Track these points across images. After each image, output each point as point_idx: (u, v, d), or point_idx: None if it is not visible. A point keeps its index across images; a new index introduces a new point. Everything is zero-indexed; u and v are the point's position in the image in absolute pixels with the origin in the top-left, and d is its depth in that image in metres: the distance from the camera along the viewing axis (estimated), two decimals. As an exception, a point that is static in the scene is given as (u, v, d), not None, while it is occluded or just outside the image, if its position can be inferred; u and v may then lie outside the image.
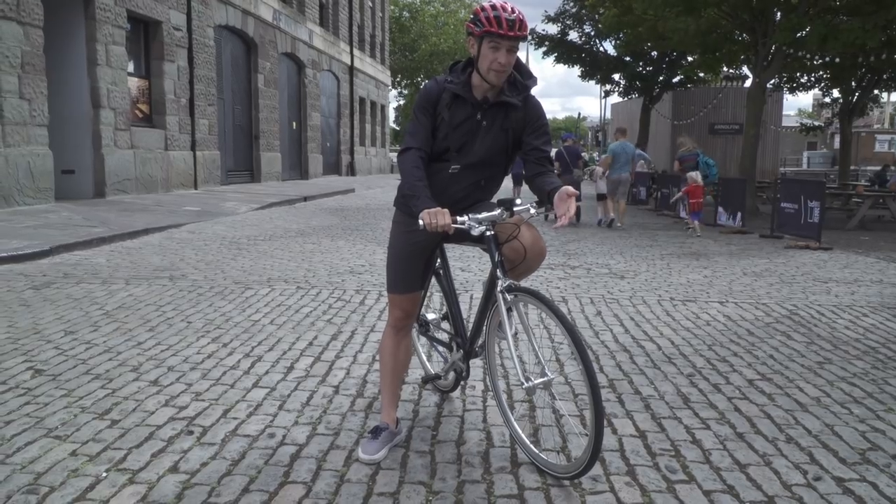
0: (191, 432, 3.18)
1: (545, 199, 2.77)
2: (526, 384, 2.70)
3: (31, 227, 9.36)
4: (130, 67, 15.05)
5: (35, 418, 3.30)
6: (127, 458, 2.90)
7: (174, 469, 2.82)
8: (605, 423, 3.35)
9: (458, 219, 2.73)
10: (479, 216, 2.79)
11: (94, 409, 3.42)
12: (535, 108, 2.93)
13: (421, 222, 2.65)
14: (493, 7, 2.69)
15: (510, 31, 2.67)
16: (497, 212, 2.82)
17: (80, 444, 3.02)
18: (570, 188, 2.69)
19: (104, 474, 2.76)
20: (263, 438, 3.14)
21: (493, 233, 2.83)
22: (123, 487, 2.67)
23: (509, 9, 2.69)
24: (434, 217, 2.64)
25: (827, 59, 18.84)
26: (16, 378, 3.85)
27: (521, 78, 2.90)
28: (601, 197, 13.68)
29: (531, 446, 2.94)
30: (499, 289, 2.81)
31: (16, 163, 11.40)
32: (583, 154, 15.91)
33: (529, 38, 25.40)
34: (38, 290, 6.10)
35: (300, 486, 2.71)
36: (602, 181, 13.68)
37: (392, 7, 48.50)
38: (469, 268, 7.76)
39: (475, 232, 2.77)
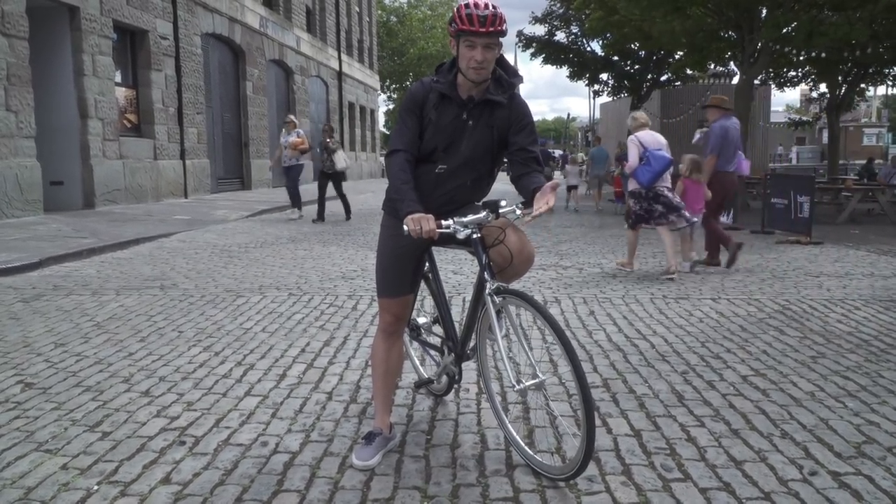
0: (183, 443, 3.15)
1: (530, 199, 2.74)
2: (517, 386, 2.69)
3: (20, 240, 9.30)
4: (118, 77, 14.99)
5: (25, 432, 3.26)
6: (118, 471, 2.87)
7: (166, 480, 2.80)
8: (600, 422, 3.35)
9: (443, 223, 2.71)
10: (464, 219, 2.77)
11: (85, 422, 3.39)
12: (520, 107, 2.92)
13: (406, 228, 2.64)
14: (467, 5, 2.67)
15: (482, 27, 2.65)
16: (482, 214, 2.80)
17: (70, 458, 2.99)
18: (555, 181, 2.71)
19: (95, 487, 2.73)
20: (256, 447, 3.11)
21: (479, 235, 2.82)
22: (115, 500, 2.64)
23: (482, 5, 2.66)
24: (418, 223, 2.63)
25: (813, 54, 18.92)
26: (5, 392, 3.81)
27: (507, 76, 2.89)
28: (570, 188, 17.69)
29: (526, 448, 2.93)
30: (487, 291, 2.79)
31: (3, 175, 11.34)
32: (555, 154, 22.76)
33: (517, 39, 25.42)
34: (28, 303, 6.06)
35: (294, 495, 2.69)
36: (572, 176, 18.17)
37: (379, 12, 48.53)
38: (462, 270, 7.75)
39: (461, 235, 2.75)
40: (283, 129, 14.39)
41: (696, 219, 7.62)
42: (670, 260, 7.36)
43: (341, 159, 13.46)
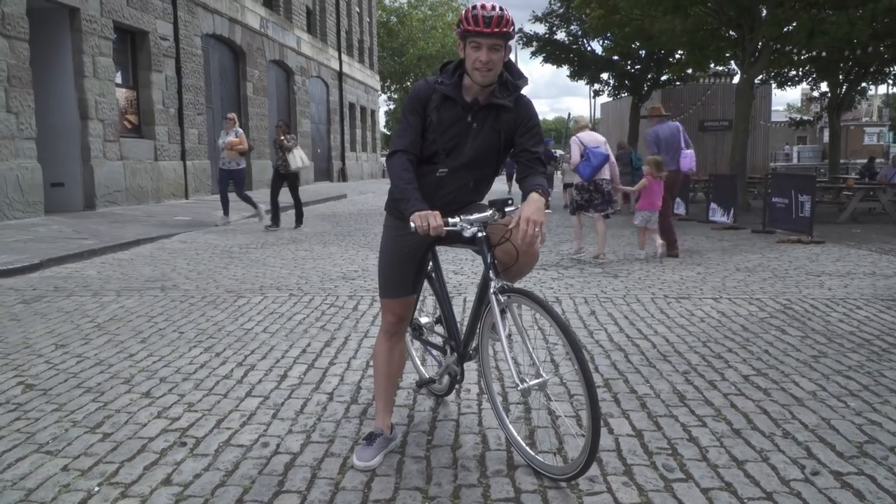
0: (184, 444, 3.15)
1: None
2: (521, 386, 2.67)
3: (21, 241, 9.30)
4: (118, 78, 15.01)
5: (26, 433, 3.26)
6: (119, 472, 2.87)
7: (167, 482, 2.79)
8: (602, 423, 3.34)
9: (450, 220, 2.71)
10: (471, 217, 2.77)
11: (86, 423, 3.38)
12: (526, 109, 2.91)
13: (412, 225, 2.63)
14: (474, 7, 2.68)
15: (487, 27, 2.64)
16: (488, 213, 2.81)
17: (71, 459, 2.99)
18: (535, 216, 2.63)
19: (96, 489, 2.73)
20: (257, 448, 3.11)
21: (484, 234, 2.82)
22: (116, 501, 2.63)
23: (489, 7, 2.66)
24: (425, 219, 2.63)
25: (814, 53, 18.90)
26: (6, 393, 3.81)
27: (512, 78, 2.88)
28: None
29: (527, 448, 2.92)
30: (492, 290, 2.79)
31: (4, 177, 11.34)
32: (556, 154, 22.68)
33: (517, 38, 25.39)
34: (29, 304, 6.06)
35: (295, 496, 2.68)
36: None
37: (380, 12, 48.54)
38: (462, 270, 7.74)
39: (467, 234, 2.75)
40: (223, 129, 12.95)
41: (652, 212, 8.90)
42: (601, 245, 8.57)
43: (297, 158, 12.09)
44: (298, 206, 12.59)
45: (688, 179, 9.56)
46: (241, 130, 12.64)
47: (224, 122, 13.06)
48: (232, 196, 12.89)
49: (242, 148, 12.39)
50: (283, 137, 12.09)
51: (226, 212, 13.03)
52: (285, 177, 12.19)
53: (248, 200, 12.68)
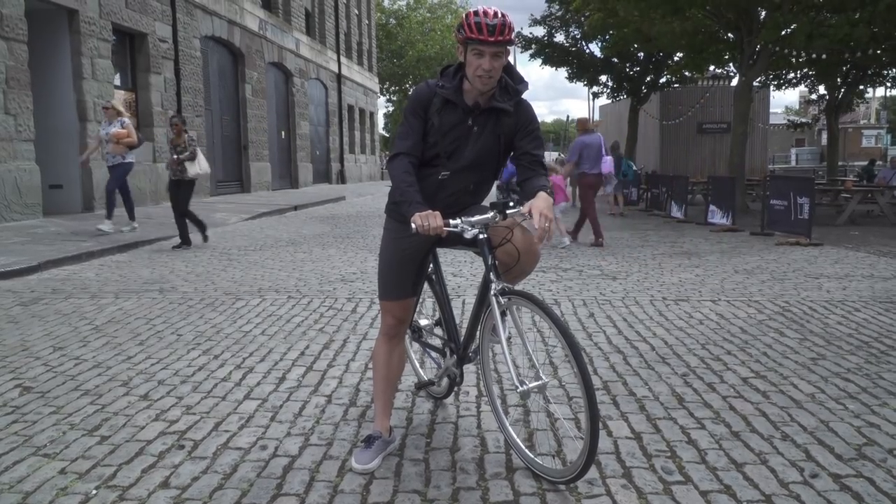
0: (181, 447, 3.14)
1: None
2: (520, 388, 2.67)
3: (18, 243, 9.29)
4: (117, 80, 15.00)
5: (23, 436, 3.25)
6: (117, 475, 2.86)
7: (165, 484, 2.78)
8: (601, 425, 3.33)
9: (451, 222, 2.71)
10: (472, 219, 2.77)
11: (84, 426, 3.37)
12: (526, 113, 2.91)
13: (413, 226, 2.63)
14: (476, 13, 2.67)
15: (490, 36, 2.63)
16: (490, 214, 2.81)
17: (69, 462, 2.98)
18: (546, 211, 2.65)
19: (94, 492, 2.72)
20: (255, 451, 3.10)
21: (486, 236, 2.82)
22: (113, 505, 2.63)
23: (491, 14, 2.65)
24: (426, 220, 2.62)
25: (812, 55, 18.95)
26: (3, 396, 3.80)
27: (513, 82, 2.88)
28: None
29: (526, 451, 2.92)
30: (492, 292, 2.78)
31: (2, 178, 11.33)
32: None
33: (516, 40, 25.41)
34: (27, 307, 6.05)
35: (293, 499, 2.68)
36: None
37: (378, 14, 48.56)
38: (461, 273, 7.73)
39: (468, 235, 2.75)
40: (104, 119, 10.92)
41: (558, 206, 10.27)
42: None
43: (196, 163, 9.77)
44: (186, 220, 9.93)
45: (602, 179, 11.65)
46: (127, 121, 10.64)
47: (103, 112, 10.99)
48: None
49: (131, 141, 10.54)
50: (182, 138, 9.81)
51: (129, 215, 11.07)
52: (178, 184, 9.73)
53: (127, 202, 11.02)
